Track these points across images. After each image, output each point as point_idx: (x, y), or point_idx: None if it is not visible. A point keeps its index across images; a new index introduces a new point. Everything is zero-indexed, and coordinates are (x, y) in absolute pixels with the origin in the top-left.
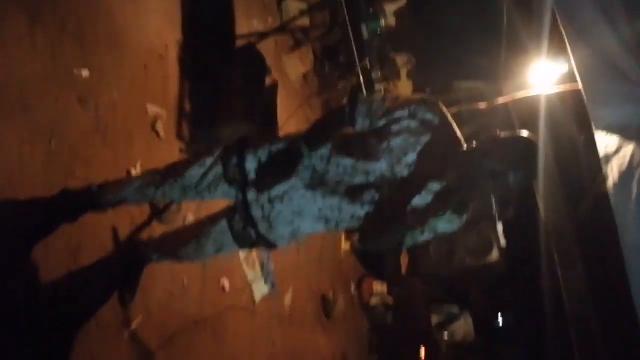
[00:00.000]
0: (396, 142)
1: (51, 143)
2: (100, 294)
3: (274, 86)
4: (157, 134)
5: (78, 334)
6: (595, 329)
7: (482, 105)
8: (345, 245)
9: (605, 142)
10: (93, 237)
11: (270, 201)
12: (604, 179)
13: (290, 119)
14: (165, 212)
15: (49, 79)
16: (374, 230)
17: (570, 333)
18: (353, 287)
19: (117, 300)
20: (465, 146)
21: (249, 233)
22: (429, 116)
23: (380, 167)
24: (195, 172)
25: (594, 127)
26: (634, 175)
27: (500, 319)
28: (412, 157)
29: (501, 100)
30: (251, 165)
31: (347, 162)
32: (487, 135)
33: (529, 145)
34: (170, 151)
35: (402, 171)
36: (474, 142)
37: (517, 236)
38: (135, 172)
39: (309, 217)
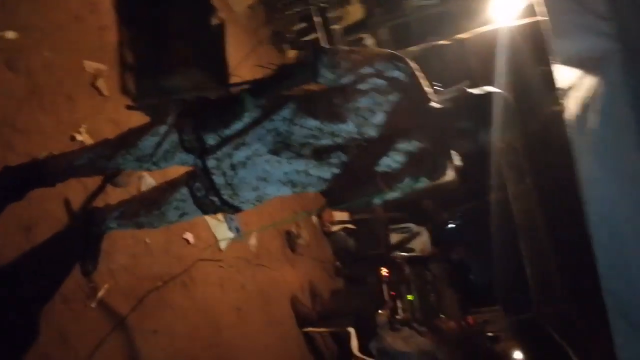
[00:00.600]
0: (363, 101)
1: None
2: (60, 269)
3: (221, 25)
4: (99, 91)
5: (43, 314)
6: (542, 238)
7: (445, 41)
8: None
9: (564, 75)
10: (44, 212)
11: (233, 167)
12: (558, 100)
13: (242, 63)
14: (119, 176)
15: None
16: (343, 192)
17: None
18: (314, 217)
19: (79, 272)
20: (433, 103)
21: (212, 200)
22: (396, 73)
23: (346, 128)
24: (149, 142)
25: (553, 60)
26: (590, 106)
27: (450, 224)
28: (379, 117)
29: (462, 36)
30: (210, 134)
31: (312, 122)
32: (455, 90)
33: (498, 100)
34: (116, 109)
35: (370, 131)
36: (442, 98)
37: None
38: (81, 137)
39: (275, 181)
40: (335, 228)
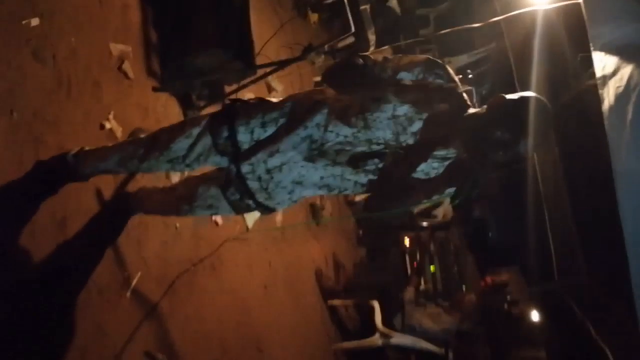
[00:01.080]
0: (402, 109)
1: (12, 114)
2: (95, 260)
3: (245, 1)
4: (126, 74)
5: (80, 306)
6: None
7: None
8: None
9: (603, 62)
10: (78, 204)
11: (268, 172)
12: (591, 75)
13: (269, 41)
14: None
15: None
16: (379, 198)
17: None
18: None
19: (114, 262)
20: (471, 110)
21: (247, 203)
22: (437, 81)
23: (383, 135)
24: (181, 144)
25: (592, 46)
26: (630, 97)
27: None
28: (417, 125)
29: (496, 19)
30: (244, 137)
31: (346, 130)
32: (494, 99)
33: (535, 106)
34: (143, 92)
35: (407, 139)
36: (482, 107)
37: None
38: (109, 124)
39: (310, 185)
40: (358, 198)
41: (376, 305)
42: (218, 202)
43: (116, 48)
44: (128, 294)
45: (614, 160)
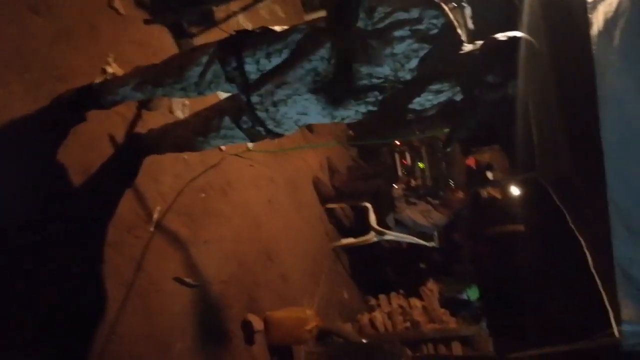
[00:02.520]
0: (400, 47)
1: (24, 75)
2: (119, 201)
3: None
4: (117, 11)
5: (114, 244)
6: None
7: None
8: None
9: None
10: (94, 150)
11: (275, 104)
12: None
13: None
14: (151, 101)
15: None
16: (377, 126)
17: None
18: None
19: (135, 201)
20: (465, 48)
21: (258, 130)
22: (434, 21)
23: (383, 71)
24: (193, 72)
25: None
26: (617, 22)
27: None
28: (414, 62)
29: None
30: (251, 67)
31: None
32: (486, 41)
33: (528, 49)
34: (136, 27)
35: (405, 75)
36: (474, 43)
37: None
38: (110, 68)
39: (314, 114)
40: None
41: (369, 207)
42: (232, 132)
43: None
44: (152, 228)
45: (599, 84)
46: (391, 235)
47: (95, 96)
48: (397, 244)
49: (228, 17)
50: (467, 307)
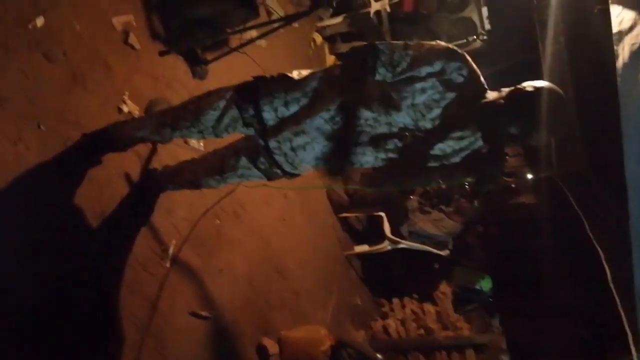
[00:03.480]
0: (421, 98)
1: (40, 127)
2: (134, 239)
3: None
4: (132, 47)
5: (128, 284)
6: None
7: None
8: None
9: (620, 17)
10: (110, 191)
11: (293, 150)
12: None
13: None
14: None
15: (8, 54)
16: (398, 173)
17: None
18: None
19: (151, 237)
20: (488, 98)
21: (275, 172)
22: (458, 72)
23: (403, 120)
24: (210, 116)
25: None
26: None
27: None
28: (436, 112)
29: None
30: (268, 114)
31: (368, 114)
32: (511, 92)
33: (553, 102)
34: (150, 60)
35: (426, 124)
36: (499, 92)
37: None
38: (126, 107)
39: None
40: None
41: (384, 216)
42: (249, 171)
43: (119, 21)
44: (168, 263)
45: (623, 115)
46: (405, 245)
47: (111, 140)
48: (410, 254)
49: (242, 45)
50: (479, 297)
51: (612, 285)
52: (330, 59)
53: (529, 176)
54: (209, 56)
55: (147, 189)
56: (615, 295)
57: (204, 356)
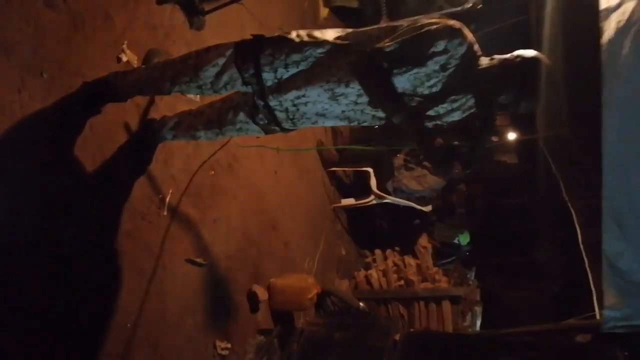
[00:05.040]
0: (423, 70)
1: (43, 74)
2: (133, 188)
3: None
4: None
5: (129, 232)
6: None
7: None
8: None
9: None
10: (110, 140)
11: (295, 105)
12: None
13: None
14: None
15: (10, 1)
16: (394, 132)
17: None
18: None
19: (149, 186)
20: (483, 66)
21: (273, 128)
22: (459, 48)
23: (402, 85)
24: (208, 72)
25: None
26: (629, 31)
27: None
28: (434, 81)
29: None
30: (268, 75)
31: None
32: (503, 60)
33: (539, 71)
34: (148, 9)
35: (424, 91)
36: (492, 59)
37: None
38: (125, 56)
39: (332, 117)
40: None
41: (371, 171)
42: (247, 125)
43: None
44: (165, 212)
45: (605, 89)
46: (390, 200)
47: (111, 90)
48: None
49: None
50: (458, 251)
51: (582, 246)
52: (324, 12)
53: (512, 136)
54: (207, 6)
55: (145, 139)
56: (585, 256)
57: (199, 299)
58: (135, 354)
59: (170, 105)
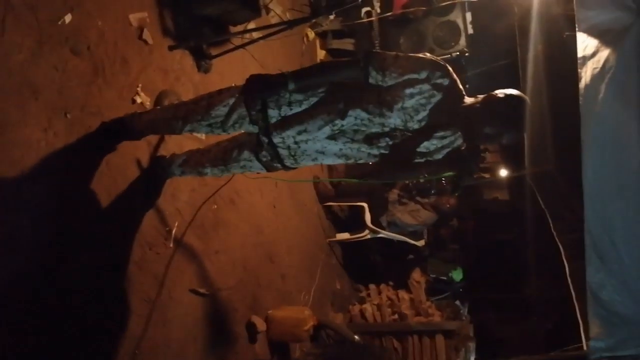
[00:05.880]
0: (410, 102)
1: (67, 115)
2: (142, 220)
3: None
4: (146, 42)
5: (138, 262)
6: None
7: None
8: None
9: (585, 43)
10: (123, 173)
11: (296, 143)
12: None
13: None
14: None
15: (42, 48)
16: (387, 167)
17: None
18: None
19: (157, 219)
20: (466, 103)
21: (275, 165)
22: (440, 80)
23: (394, 121)
24: (220, 112)
25: (577, 27)
26: (604, 77)
27: None
28: (422, 114)
29: None
30: (273, 112)
31: (363, 114)
32: (485, 98)
33: (521, 107)
34: (161, 55)
35: (414, 125)
36: (476, 97)
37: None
38: (139, 98)
39: (331, 154)
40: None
41: (365, 206)
42: (251, 163)
43: (135, 18)
44: (171, 244)
45: (583, 130)
46: (384, 234)
47: (127, 130)
48: (388, 242)
49: (245, 44)
50: (451, 287)
51: (569, 279)
52: (322, 54)
53: (503, 172)
54: (214, 51)
55: (155, 175)
56: (572, 289)
57: (200, 328)
58: None
59: (179, 143)
